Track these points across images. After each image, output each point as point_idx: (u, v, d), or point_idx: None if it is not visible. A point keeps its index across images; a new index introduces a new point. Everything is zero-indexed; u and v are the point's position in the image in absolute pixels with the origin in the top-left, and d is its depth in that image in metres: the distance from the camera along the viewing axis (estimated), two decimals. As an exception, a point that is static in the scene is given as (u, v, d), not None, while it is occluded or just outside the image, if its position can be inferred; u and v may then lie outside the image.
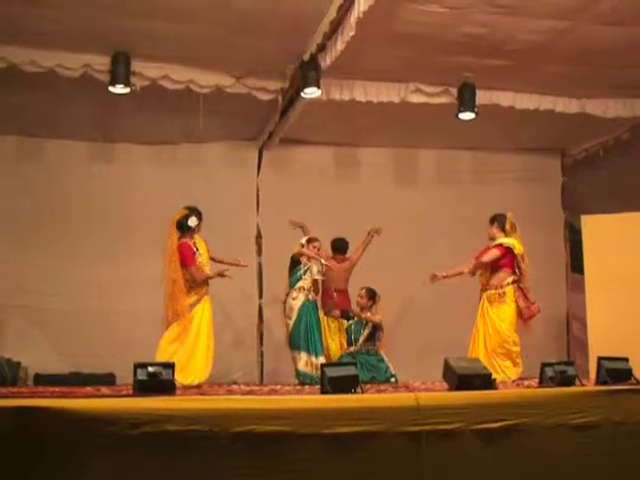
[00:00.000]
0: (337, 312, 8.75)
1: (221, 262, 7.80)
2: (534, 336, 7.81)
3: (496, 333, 7.44)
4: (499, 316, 7.47)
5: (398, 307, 9.44)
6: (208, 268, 7.59)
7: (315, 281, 8.34)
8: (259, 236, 10.46)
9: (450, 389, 5.06)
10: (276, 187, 10.43)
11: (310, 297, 8.31)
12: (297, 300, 8.25)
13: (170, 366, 4.63)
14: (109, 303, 9.59)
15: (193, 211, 7.60)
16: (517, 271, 7.56)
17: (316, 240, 8.48)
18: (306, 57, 7.80)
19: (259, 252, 10.41)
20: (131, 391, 4.63)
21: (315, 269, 8.33)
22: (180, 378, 6.53)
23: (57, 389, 5.84)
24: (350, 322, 8.59)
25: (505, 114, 9.13)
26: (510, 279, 7.53)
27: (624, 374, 5.57)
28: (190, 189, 9.42)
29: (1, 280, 9.26)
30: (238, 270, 7.94)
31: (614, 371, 5.52)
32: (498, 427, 4.61)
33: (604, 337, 8.18)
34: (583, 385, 5.38)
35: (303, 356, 8.09)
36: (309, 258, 8.36)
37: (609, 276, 8.56)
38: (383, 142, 10.74)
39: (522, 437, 4.66)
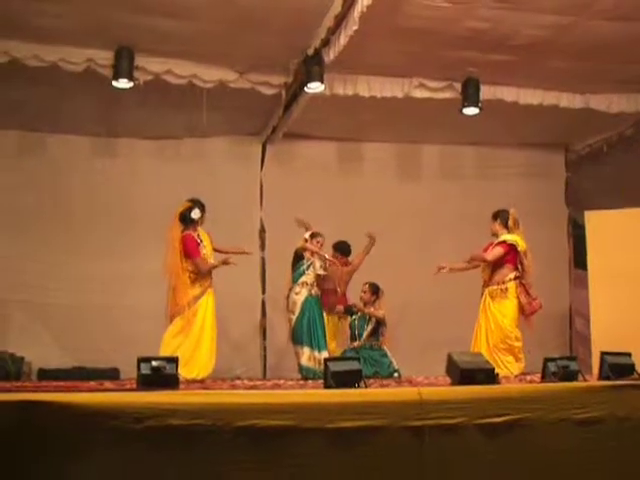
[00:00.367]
0: (341, 307, 8.76)
1: (226, 252, 7.78)
2: (537, 331, 7.80)
3: (498, 328, 7.43)
4: (501, 311, 7.47)
5: (401, 302, 9.42)
6: (212, 260, 7.57)
7: (318, 276, 8.34)
8: (262, 231, 10.46)
9: (453, 384, 5.06)
10: (279, 182, 10.44)
11: (313, 292, 8.31)
12: (300, 295, 8.25)
13: (174, 360, 4.63)
14: (112, 298, 9.59)
15: (196, 203, 7.59)
16: (519, 267, 7.56)
17: (319, 235, 8.47)
18: (310, 52, 7.79)
19: (262, 247, 10.42)
20: (135, 385, 4.63)
21: (318, 264, 8.33)
22: (184, 372, 6.53)
23: (61, 384, 5.84)
24: (353, 317, 8.60)
25: (509, 109, 9.12)
26: (512, 275, 7.52)
27: (627, 369, 5.56)
28: (193, 184, 9.42)
29: (4, 275, 9.27)
30: (241, 265, 7.92)
31: (617, 366, 5.51)
32: (501, 422, 4.61)
33: (607, 332, 8.18)
34: (586, 380, 5.37)
35: (306, 351, 8.09)
36: (312, 253, 8.36)
37: (612, 272, 8.55)
38: (386, 137, 10.74)
39: (525, 432, 4.66)
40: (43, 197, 9.77)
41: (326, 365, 4.83)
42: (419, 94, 8.70)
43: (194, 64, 8.15)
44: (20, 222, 9.43)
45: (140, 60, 7.91)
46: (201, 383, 6.70)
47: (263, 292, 10.37)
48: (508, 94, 8.92)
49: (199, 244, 7.48)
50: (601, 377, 5.53)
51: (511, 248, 7.56)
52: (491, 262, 7.59)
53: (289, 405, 4.21)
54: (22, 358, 8.31)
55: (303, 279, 8.30)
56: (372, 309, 8.46)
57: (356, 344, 8.43)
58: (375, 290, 8.56)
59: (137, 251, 9.50)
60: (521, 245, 7.57)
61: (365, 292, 8.57)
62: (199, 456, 3.98)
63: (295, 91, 8.62)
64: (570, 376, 5.36)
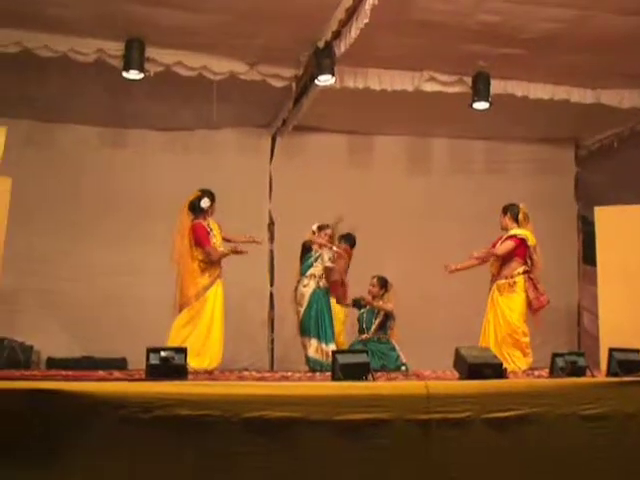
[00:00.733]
0: (349, 301, 8.77)
1: (235, 241, 7.78)
2: (545, 327, 7.80)
3: (506, 323, 7.43)
4: (509, 306, 7.47)
5: (409, 296, 9.41)
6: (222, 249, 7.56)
7: (326, 268, 8.34)
8: (271, 223, 10.47)
9: (461, 378, 5.06)
10: (289, 174, 10.44)
11: (321, 284, 8.31)
12: (308, 287, 8.25)
13: (182, 351, 4.64)
14: (122, 288, 9.62)
15: (206, 193, 7.58)
16: (529, 262, 7.55)
17: (327, 227, 8.46)
18: (321, 44, 7.78)
19: (271, 239, 10.43)
20: (143, 375, 4.65)
21: (326, 256, 8.32)
22: (195, 362, 6.54)
23: (69, 373, 5.87)
24: (362, 311, 8.60)
25: (519, 104, 9.09)
26: (521, 269, 7.52)
27: (635, 366, 5.55)
28: (203, 175, 9.42)
29: (14, 264, 9.25)
30: (250, 257, 7.92)
31: (625, 362, 5.50)
32: (508, 417, 4.61)
33: (615, 328, 8.15)
34: (594, 376, 5.37)
35: (313, 342, 8.10)
36: (320, 246, 8.36)
37: (621, 268, 8.52)
38: (396, 130, 10.73)
39: (532, 427, 4.66)
40: (53, 187, 9.78)
41: (334, 358, 4.84)
42: (429, 88, 8.68)
43: (204, 56, 8.15)
44: (30, 211, 9.45)
45: (150, 51, 7.92)
46: (209, 374, 6.72)
47: (271, 284, 10.38)
48: (518, 88, 8.89)
49: (209, 233, 7.47)
50: (609, 373, 5.52)
51: (521, 242, 7.55)
52: (501, 256, 7.58)
53: (297, 397, 4.22)
54: (31, 347, 8.38)
55: (311, 271, 8.30)
56: (380, 302, 8.47)
57: (364, 337, 8.44)
58: (384, 283, 8.56)
59: (146, 241, 9.52)
60: (531, 240, 7.56)
61: (374, 285, 8.57)
62: (207, 446, 4.00)
63: (305, 84, 8.62)
64: (578, 372, 5.35)
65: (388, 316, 8.48)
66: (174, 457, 3.97)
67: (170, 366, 4.51)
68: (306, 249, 8.42)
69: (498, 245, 7.67)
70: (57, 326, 9.44)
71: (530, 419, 4.66)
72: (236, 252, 7.49)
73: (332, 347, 8.04)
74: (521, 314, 7.48)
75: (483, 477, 4.51)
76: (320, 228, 8.43)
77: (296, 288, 8.36)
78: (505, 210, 7.78)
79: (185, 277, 7.33)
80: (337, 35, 7.62)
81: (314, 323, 8.15)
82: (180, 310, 7.27)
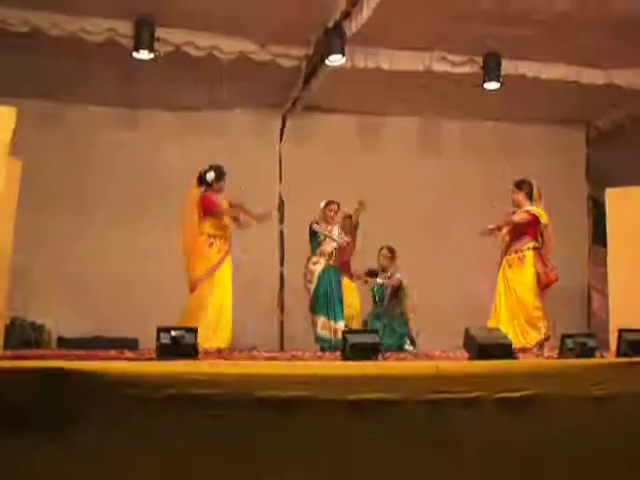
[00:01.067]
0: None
1: (247, 213, 7.72)
2: (555, 308, 7.79)
3: (517, 297, 7.40)
4: (519, 281, 7.43)
5: (420, 278, 9.39)
6: (229, 230, 7.49)
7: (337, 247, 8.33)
8: (281, 203, 10.47)
9: (470, 358, 5.07)
10: (299, 155, 10.44)
11: (332, 261, 8.31)
12: (318, 265, 8.25)
13: (193, 330, 4.65)
14: (132, 268, 9.65)
15: (213, 167, 7.50)
16: (539, 239, 7.54)
17: (334, 203, 8.43)
18: (330, 24, 7.75)
19: (281, 220, 10.43)
20: (154, 355, 4.67)
21: (336, 233, 8.32)
22: (206, 342, 6.52)
23: (80, 352, 5.89)
24: (373, 285, 8.64)
25: (530, 85, 9.05)
26: (531, 244, 7.49)
27: (645, 347, 5.55)
28: (213, 155, 9.37)
29: (25, 245, 9.25)
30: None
31: (635, 343, 5.49)
32: (518, 397, 4.61)
33: (625, 310, 8.11)
34: (603, 357, 5.36)
35: (322, 320, 8.12)
36: (327, 222, 8.34)
37: (632, 249, 8.47)
38: (407, 111, 10.68)
39: (542, 407, 4.66)
40: (63, 167, 9.80)
41: (344, 337, 4.85)
42: (440, 68, 8.66)
43: (214, 36, 8.15)
44: (41, 192, 9.46)
45: (160, 31, 7.91)
46: (220, 353, 6.73)
47: (282, 265, 10.40)
48: (529, 69, 8.86)
49: (217, 202, 7.39)
50: (619, 354, 5.51)
51: (534, 219, 7.52)
52: (511, 231, 7.54)
53: (307, 376, 4.23)
54: (42, 326, 8.39)
55: (321, 249, 8.30)
56: (387, 279, 8.50)
57: (379, 310, 8.47)
58: (394, 253, 8.59)
59: (157, 222, 9.51)
60: (544, 218, 7.53)
61: (385, 256, 8.61)
62: (218, 425, 4.01)
63: (316, 64, 8.59)
64: (587, 353, 5.34)
65: (400, 286, 8.50)
66: (186, 436, 3.99)
67: (181, 345, 4.52)
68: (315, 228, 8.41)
69: (520, 215, 7.57)
70: (68, 306, 9.48)
71: (539, 400, 4.66)
72: (244, 212, 7.43)
73: (341, 324, 8.07)
74: (531, 288, 7.43)
75: (493, 457, 4.51)
76: (327, 204, 8.40)
77: (306, 266, 8.37)
78: (519, 186, 7.66)
79: (193, 253, 7.26)
80: (347, 15, 7.59)
81: (323, 301, 8.16)
82: (191, 290, 7.23)
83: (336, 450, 4.21)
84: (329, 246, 8.31)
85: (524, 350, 6.73)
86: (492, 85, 8.67)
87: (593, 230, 11.05)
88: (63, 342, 8.94)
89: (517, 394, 4.62)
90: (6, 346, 6.56)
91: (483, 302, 7.83)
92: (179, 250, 7.50)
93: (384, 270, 8.63)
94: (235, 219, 7.56)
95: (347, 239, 8.43)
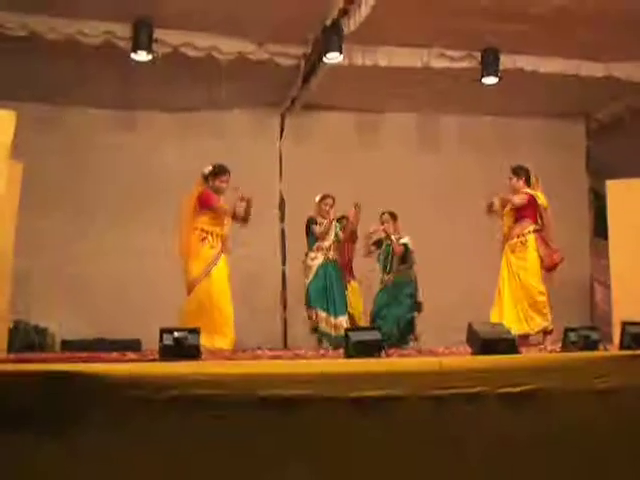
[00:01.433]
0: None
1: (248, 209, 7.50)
2: (556, 301, 7.78)
3: (521, 283, 7.37)
4: (523, 266, 7.40)
5: (421, 272, 9.39)
6: (224, 228, 7.24)
7: (337, 243, 8.31)
8: (282, 202, 10.47)
9: (474, 353, 5.07)
10: (298, 153, 10.45)
11: (330, 256, 8.27)
12: (316, 260, 8.21)
13: (196, 331, 4.65)
14: (134, 270, 9.66)
15: (214, 164, 7.33)
16: (539, 221, 7.52)
17: (329, 197, 8.40)
18: (328, 22, 7.75)
19: (282, 218, 10.44)
20: (157, 356, 4.67)
21: (334, 228, 8.30)
22: (208, 343, 6.44)
23: (83, 354, 5.91)
24: (379, 252, 8.69)
25: (528, 78, 9.04)
26: (532, 227, 7.47)
27: (649, 339, 5.55)
28: (213, 156, 9.38)
29: (26, 247, 9.27)
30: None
31: (638, 336, 5.50)
32: (521, 391, 4.61)
33: (628, 302, 8.12)
34: (607, 350, 5.36)
35: (321, 314, 8.07)
36: (323, 216, 8.29)
37: (633, 241, 8.48)
38: (406, 108, 10.69)
39: (545, 401, 4.66)
40: (63, 170, 9.81)
41: (347, 335, 4.85)
42: (438, 64, 8.66)
43: (212, 36, 8.14)
44: (41, 195, 9.46)
45: (158, 33, 7.91)
46: (223, 353, 6.73)
47: (283, 263, 10.40)
48: (527, 63, 8.86)
49: (217, 198, 7.17)
50: (622, 347, 5.51)
51: (532, 198, 7.50)
52: (511, 215, 7.51)
53: (311, 375, 4.23)
54: (46, 329, 8.40)
55: (318, 244, 8.27)
56: (394, 245, 8.52)
57: (387, 278, 8.44)
58: (395, 217, 8.62)
59: (157, 223, 9.52)
60: (541, 199, 7.52)
61: (387, 222, 8.60)
62: (222, 425, 4.02)
63: (314, 62, 8.59)
64: (591, 346, 5.34)
65: (407, 249, 8.46)
66: (190, 436, 3.99)
67: (183, 346, 4.52)
68: (311, 222, 8.39)
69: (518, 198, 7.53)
70: (71, 308, 9.49)
71: (543, 394, 4.66)
72: (242, 199, 7.20)
73: (343, 319, 8.04)
74: (535, 273, 7.40)
75: (497, 452, 4.51)
76: (322, 198, 8.38)
77: (304, 262, 8.34)
78: (517, 172, 7.64)
79: (187, 252, 7.10)
80: (345, 12, 7.58)
81: (322, 295, 8.12)
82: (188, 292, 7.08)
83: (339, 448, 4.22)
84: (326, 241, 8.28)
85: (527, 336, 6.70)
86: (490, 80, 8.67)
87: (594, 222, 11.05)
88: (66, 345, 8.96)
89: (520, 389, 4.62)
90: (10, 349, 6.58)
91: (486, 296, 7.81)
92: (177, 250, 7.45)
93: (388, 236, 8.60)
94: (235, 217, 7.38)
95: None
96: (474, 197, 10.24)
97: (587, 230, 11.20)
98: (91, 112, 10.06)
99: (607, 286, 9.30)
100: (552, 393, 4.67)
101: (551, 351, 5.83)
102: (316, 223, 8.30)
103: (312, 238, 8.30)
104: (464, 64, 8.72)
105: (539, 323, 7.30)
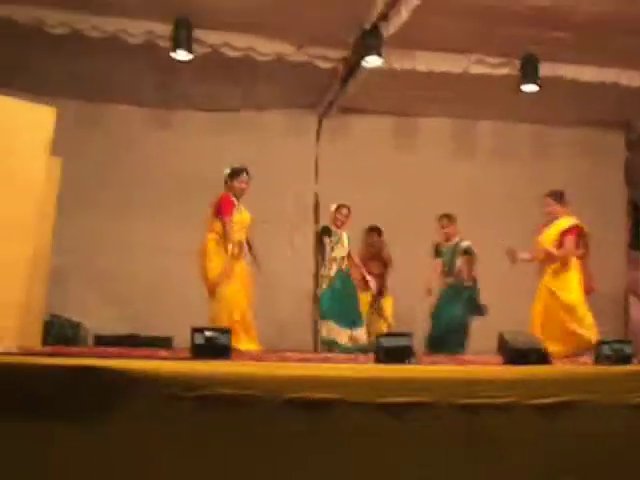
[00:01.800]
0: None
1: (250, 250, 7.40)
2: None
3: (561, 305, 7.20)
4: (564, 287, 7.22)
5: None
6: (243, 235, 7.18)
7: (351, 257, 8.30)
8: (317, 205, 10.48)
9: (504, 363, 5.04)
10: (335, 156, 10.45)
11: (343, 266, 8.23)
12: (331, 271, 8.17)
13: (227, 331, 4.68)
14: (168, 267, 9.69)
15: (233, 167, 7.32)
16: (582, 247, 7.37)
17: (344, 207, 8.37)
18: (367, 26, 7.75)
19: (316, 221, 10.44)
20: (188, 355, 4.70)
21: (346, 239, 8.25)
22: (237, 344, 6.44)
23: (115, 350, 5.96)
24: (442, 253, 8.66)
25: (568, 86, 8.97)
26: (575, 252, 7.34)
27: (682, 353, 5.48)
28: (248, 156, 9.43)
29: (61, 242, 9.38)
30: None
31: (672, 351, 5.44)
32: (552, 403, 4.57)
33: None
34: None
35: (335, 327, 7.97)
36: (337, 226, 8.26)
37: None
38: (443, 113, 10.65)
39: (576, 414, 4.61)
40: (99, 167, 9.89)
41: (378, 340, 4.85)
42: (478, 70, 8.61)
43: (251, 37, 8.18)
44: (76, 191, 9.54)
45: (198, 32, 7.96)
46: (252, 354, 6.75)
47: (316, 266, 10.40)
48: (567, 71, 8.79)
49: (233, 206, 7.12)
50: (656, 362, 5.45)
51: (578, 230, 7.37)
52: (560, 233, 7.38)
53: (339, 379, 4.24)
54: (79, 324, 8.48)
55: (333, 255, 8.22)
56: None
57: (449, 281, 8.46)
58: (453, 220, 8.62)
59: (191, 221, 9.55)
60: (584, 227, 7.41)
61: (446, 226, 8.61)
62: (249, 425, 4.04)
63: (352, 65, 8.59)
64: (624, 359, 5.29)
65: (470, 253, 8.49)
66: (217, 435, 4.01)
67: (214, 346, 4.55)
68: (325, 232, 8.35)
69: (566, 242, 7.30)
70: (105, 304, 9.59)
71: (574, 406, 4.62)
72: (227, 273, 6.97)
73: (361, 331, 7.98)
74: (578, 295, 7.23)
75: (526, 463, 4.48)
76: (338, 208, 8.36)
77: (319, 273, 8.30)
78: (557, 196, 7.47)
79: (204, 256, 7.08)
80: (384, 16, 7.58)
81: (337, 308, 8.06)
82: (210, 294, 7.00)
83: (365, 453, 4.21)
84: (339, 251, 8.23)
85: (559, 361, 6.52)
86: (530, 87, 8.61)
87: (631, 235, 10.92)
88: (99, 340, 9.02)
89: (551, 400, 4.58)
90: (45, 342, 6.66)
91: (517, 306, 7.72)
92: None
93: (448, 240, 8.57)
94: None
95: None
96: (508, 205, 10.22)
97: (623, 242, 11.07)
98: (130, 110, 10.15)
99: (642, 300, 9.20)
100: (583, 406, 4.63)
101: (583, 363, 5.77)
102: (330, 234, 8.26)
103: (324, 250, 8.27)
104: (503, 71, 8.67)
105: (577, 344, 7.11)
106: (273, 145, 10.18)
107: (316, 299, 8.35)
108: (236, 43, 8.18)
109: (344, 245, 8.28)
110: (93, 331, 9.18)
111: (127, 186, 9.95)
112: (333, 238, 8.24)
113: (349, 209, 8.36)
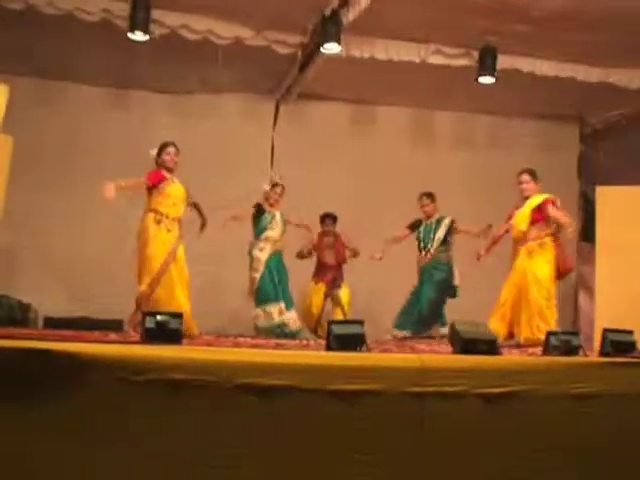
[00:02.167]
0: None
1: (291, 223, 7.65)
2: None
3: (538, 289, 7.18)
4: (539, 271, 7.23)
5: (410, 269, 9.37)
6: (179, 210, 7.10)
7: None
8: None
9: (455, 352, 5.08)
10: (291, 142, 10.41)
11: (278, 247, 8.21)
12: (264, 252, 8.11)
13: (178, 315, 4.65)
14: (117, 250, 9.60)
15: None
16: (553, 225, 7.39)
17: (278, 186, 8.41)
18: (327, 12, 7.73)
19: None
20: (139, 338, 4.67)
21: (278, 217, 8.25)
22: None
23: (65, 332, 5.89)
24: (420, 229, 8.68)
25: (525, 79, 9.04)
26: (549, 230, 7.37)
27: (628, 347, 5.57)
28: (204, 139, 9.43)
29: (13, 223, 9.25)
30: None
31: (618, 343, 5.52)
32: (500, 392, 4.64)
33: (611, 309, 8.15)
34: (587, 356, 5.39)
35: (277, 308, 7.98)
36: (272, 205, 8.25)
37: (620, 248, 8.50)
38: (401, 101, 10.68)
39: (523, 403, 4.69)
40: (52, 145, 9.74)
41: (330, 328, 4.86)
42: (436, 60, 8.64)
43: (210, 20, 8.09)
44: (29, 169, 9.39)
45: (156, 13, 7.86)
46: (204, 339, 6.71)
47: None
48: (525, 64, 8.85)
49: (163, 179, 7.12)
50: (602, 353, 5.54)
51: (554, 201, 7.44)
52: (533, 211, 7.38)
53: (290, 365, 4.25)
54: (29, 305, 8.35)
55: (266, 234, 8.19)
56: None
57: (426, 257, 8.53)
58: (433, 198, 8.68)
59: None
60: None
61: (427, 205, 8.67)
62: (199, 410, 4.03)
63: (311, 51, 8.56)
64: (571, 351, 5.37)
65: (449, 230, 8.54)
66: (166, 420, 4.00)
67: (165, 330, 4.52)
68: (259, 211, 8.30)
69: (555, 213, 7.39)
70: (55, 284, 9.44)
71: (521, 396, 4.69)
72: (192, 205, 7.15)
73: (292, 313, 7.97)
74: (552, 279, 7.29)
75: (474, 451, 4.55)
76: (273, 186, 8.35)
77: (250, 252, 8.20)
78: (532, 174, 7.53)
79: (142, 234, 6.99)
80: (344, 3, 7.56)
81: (274, 288, 8.03)
82: (141, 277, 6.91)
83: (318, 439, 4.23)
84: (275, 231, 8.20)
85: (536, 345, 6.49)
86: (487, 79, 8.65)
87: (582, 227, 11.05)
88: (49, 321, 8.90)
89: (500, 390, 4.65)
90: (-8, 323, 6.55)
91: (483, 295, 7.75)
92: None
93: (429, 217, 8.60)
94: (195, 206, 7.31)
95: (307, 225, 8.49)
96: (465, 193, 10.30)
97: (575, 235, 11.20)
98: (85, 89, 9.99)
99: (590, 292, 9.33)
100: (530, 396, 4.71)
101: (532, 354, 5.84)
102: (264, 212, 8.23)
103: (259, 227, 8.21)
104: (461, 62, 8.71)
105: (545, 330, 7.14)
106: (229, 129, 10.12)
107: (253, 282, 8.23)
108: (195, 26, 8.10)
109: (278, 225, 8.23)
110: (43, 313, 9.08)
111: (80, 165, 9.79)
112: (267, 216, 8.17)
113: (283, 187, 8.36)
